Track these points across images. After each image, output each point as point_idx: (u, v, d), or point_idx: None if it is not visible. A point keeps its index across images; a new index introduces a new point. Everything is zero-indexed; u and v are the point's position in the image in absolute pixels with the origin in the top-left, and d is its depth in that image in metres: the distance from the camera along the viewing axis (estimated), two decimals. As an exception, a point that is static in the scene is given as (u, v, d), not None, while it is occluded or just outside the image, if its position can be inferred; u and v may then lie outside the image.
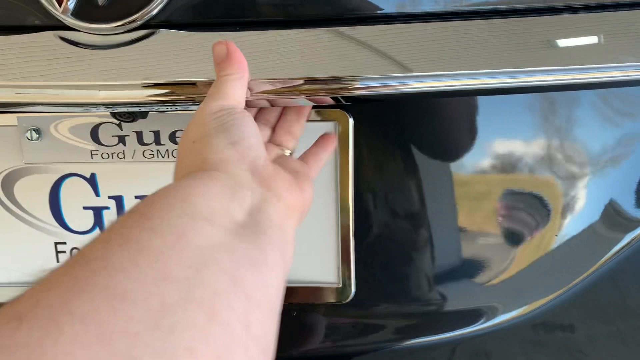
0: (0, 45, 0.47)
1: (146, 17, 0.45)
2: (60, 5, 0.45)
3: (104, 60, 0.46)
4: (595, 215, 0.56)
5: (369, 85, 0.45)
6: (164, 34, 0.46)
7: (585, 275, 0.56)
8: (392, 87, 0.45)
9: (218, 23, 0.46)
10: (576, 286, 0.56)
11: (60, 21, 0.46)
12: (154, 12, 0.45)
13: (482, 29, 0.44)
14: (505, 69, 0.44)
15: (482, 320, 0.57)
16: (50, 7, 0.45)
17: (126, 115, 0.49)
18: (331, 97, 0.47)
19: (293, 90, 0.45)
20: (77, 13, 0.45)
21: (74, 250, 0.59)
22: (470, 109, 0.53)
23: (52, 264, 0.59)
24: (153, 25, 0.46)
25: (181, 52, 0.45)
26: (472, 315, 0.57)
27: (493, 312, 0.57)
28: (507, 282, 0.56)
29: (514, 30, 0.44)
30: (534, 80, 0.45)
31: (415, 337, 0.58)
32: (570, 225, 0.55)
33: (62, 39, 0.46)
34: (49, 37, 0.46)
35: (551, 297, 0.56)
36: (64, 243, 0.58)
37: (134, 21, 0.45)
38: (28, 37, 0.47)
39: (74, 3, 0.45)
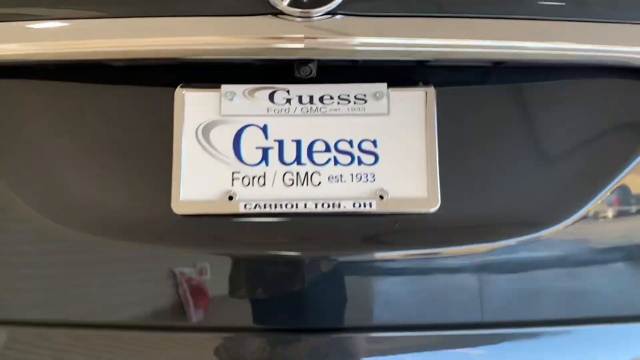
0: (235, 24, 0.80)
1: (329, 9, 0.80)
2: (282, 2, 0.80)
3: (303, 31, 0.79)
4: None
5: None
6: (340, 18, 0.80)
7: None
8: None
9: (377, 14, 0.81)
10: None
11: (276, 9, 0.80)
12: (334, 6, 0.80)
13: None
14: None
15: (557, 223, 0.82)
16: (277, 2, 0.80)
17: (306, 69, 0.81)
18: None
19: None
20: (290, 4, 0.80)
21: (244, 183, 0.85)
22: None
23: (229, 186, 0.84)
24: (332, 12, 0.80)
25: (351, 29, 0.80)
26: (548, 219, 0.83)
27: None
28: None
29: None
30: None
31: (492, 240, 0.83)
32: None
33: (279, 18, 0.80)
34: (271, 19, 0.80)
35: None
36: (239, 172, 0.85)
37: (321, 10, 0.80)
38: (256, 18, 0.81)
39: (288, 1, 0.80)
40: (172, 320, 0.83)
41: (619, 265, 0.86)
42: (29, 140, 0.84)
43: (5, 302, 0.84)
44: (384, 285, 0.83)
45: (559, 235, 0.83)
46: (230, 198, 0.84)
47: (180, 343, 0.84)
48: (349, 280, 0.83)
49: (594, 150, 0.85)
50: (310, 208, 0.83)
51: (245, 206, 0.84)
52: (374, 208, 0.84)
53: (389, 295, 0.83)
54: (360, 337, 0.83)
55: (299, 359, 0.82)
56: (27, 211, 0.83)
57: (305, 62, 0.81)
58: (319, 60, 0.83)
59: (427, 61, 0.85)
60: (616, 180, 0.84)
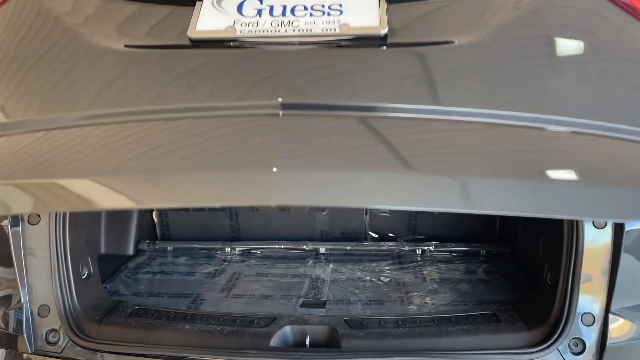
0: None
1: None
2: None
3: None
4: None
5: None
6: None
7: None
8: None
9: None
10: None
11: None
12: None
13: None
14: None
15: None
16: None
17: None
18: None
19: None
20: None
21: (242, 25, 1.14)
22: None
23: (231, 24, 1.14)
24: None
25: None
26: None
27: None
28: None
29: None
30: None
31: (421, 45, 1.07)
32: None
33: None
34: None
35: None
36: (239, 19, 1.15)
37: None
38: None
39: None
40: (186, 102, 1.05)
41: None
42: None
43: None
44: (347, 71, 1.06)
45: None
46: (230, 29, 1.13)
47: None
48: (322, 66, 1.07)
49: None
50: (289, 33, 1.11)
51: (240, 32, 1.12)
52: (338, 31, 1.10)
53: (350, 77, 1.05)
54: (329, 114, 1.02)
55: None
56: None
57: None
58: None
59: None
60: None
